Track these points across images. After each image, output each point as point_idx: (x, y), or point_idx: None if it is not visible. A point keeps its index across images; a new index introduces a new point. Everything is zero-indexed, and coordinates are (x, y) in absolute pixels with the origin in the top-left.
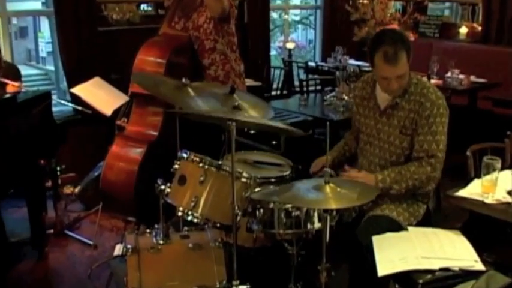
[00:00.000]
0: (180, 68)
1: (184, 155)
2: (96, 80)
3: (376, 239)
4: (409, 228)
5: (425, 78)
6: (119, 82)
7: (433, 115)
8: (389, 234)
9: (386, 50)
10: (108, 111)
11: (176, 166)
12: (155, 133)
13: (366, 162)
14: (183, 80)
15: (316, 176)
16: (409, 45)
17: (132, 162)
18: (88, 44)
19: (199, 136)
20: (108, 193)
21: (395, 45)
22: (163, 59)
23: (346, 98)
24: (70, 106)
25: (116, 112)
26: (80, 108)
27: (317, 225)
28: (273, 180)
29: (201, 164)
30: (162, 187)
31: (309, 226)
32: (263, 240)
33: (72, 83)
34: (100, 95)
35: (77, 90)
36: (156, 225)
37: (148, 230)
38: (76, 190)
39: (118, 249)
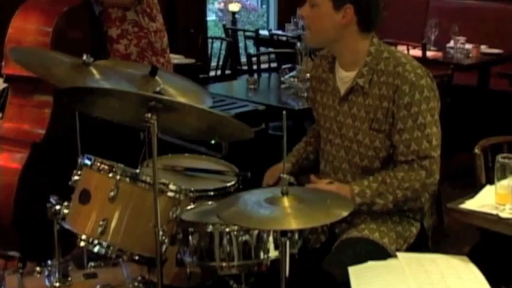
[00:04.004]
0: (75, 39)
1: (87, 162)
2: None
3: (353, 271)
4: (398, 254)
5: (401, 52)
6: None
7: (415, 102)
8: (371, 264)
9: None
10: None
11: (76, 178)
12: (41, 131)
13: (329, 168)
14: (84, 57)
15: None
16: None
17: (8, 173)
18: None
19: (109, 135)
20: None
21: None
22: (48, 26)
23: None
24: None
25: None
26: None
27: (273, 253)
28: (211, 193)
29: (110, 174)
30: (57, 207)
31: (261, 255)
32: (200, 277)
33: None
34: None
35: None
36: (49, 262)
37: (38, 269)
38: None
39: None
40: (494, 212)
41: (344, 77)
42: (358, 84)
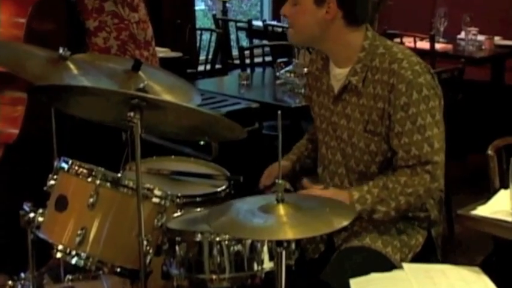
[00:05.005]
0: (50, 31)
1: (64, 166)
2: None
3: (355, 283)
4: (404, 265)
5: (399, 46)
6: None
7: (413, 102)
8: (374, 276)
9: None
10: None
11: (52, 182)
12: (14, 131)
13: (326, 173)
14: (61, 50)
15: (267, 193)
16: None
17: None
18: None
19: (88, 135)
20: None
21: None
22: (21, 17)
23: None
24: None
25: None
26: None
27: (268, 265)
28: (200, 199)
29: (90, 179)
30: (31, 215)
31: (255, 267)
32: None
33: None
34: None
35: None
36: (22, 274)
37: (10, 283)
38: None
39: None
40: (509, 219)
41: (337, 75)
42: (351, 82)
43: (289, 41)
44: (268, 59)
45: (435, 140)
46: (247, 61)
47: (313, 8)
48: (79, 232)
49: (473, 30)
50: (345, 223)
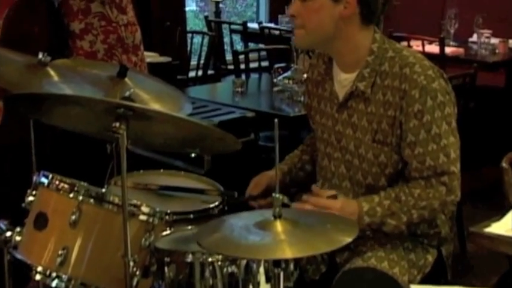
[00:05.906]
0: (29, 35)
1: (44, 180)
2: None
3: None
4: (412, 287)
5: (409, 50)
6: None
7: (427, 110)
8: None
9: None
10: None
11: (30, 199)
12: None
13: (327, 187)
14: (40, 55)
15: (252, 204)
16: None
17: None
18: None
19: (69, 148)
20: None
21: None
22: None
23: None
24: None
25: None
26: None
27: (264, 287)
28: (191, 216)
29: (72, 194)
30: (8, 234)
31: None
32: None
33: None
34: None
35: None
36: None
37: None
38: None
39: None
40: None
41: (343, 80)
42: (359, 88)
43: (297, 44)
44: (264, 64)
45: (451, 149)
46: (242, 66)
47: (329, 3)
48: (60, 252)
49: (486, 32)
50: (348, 240)
